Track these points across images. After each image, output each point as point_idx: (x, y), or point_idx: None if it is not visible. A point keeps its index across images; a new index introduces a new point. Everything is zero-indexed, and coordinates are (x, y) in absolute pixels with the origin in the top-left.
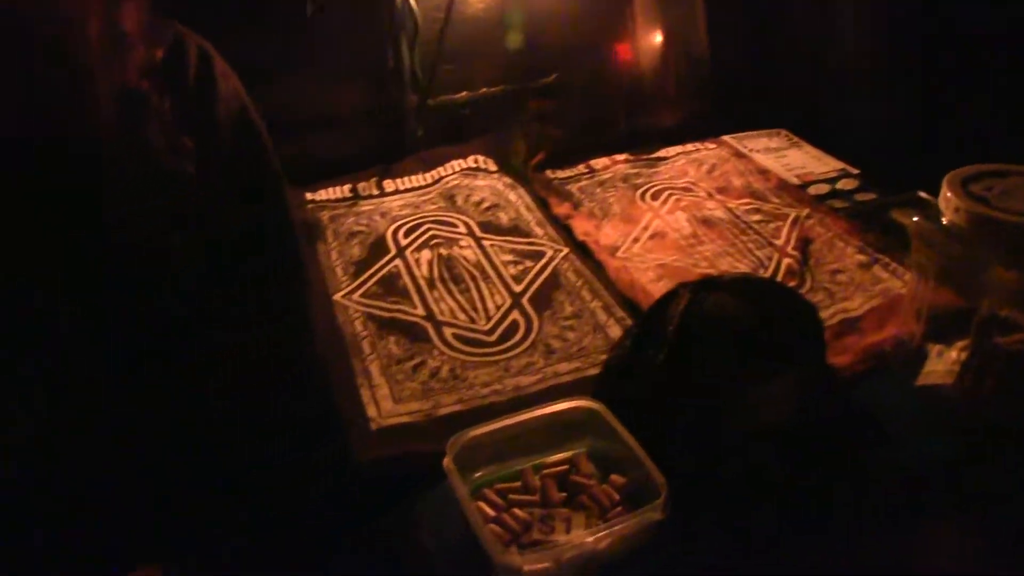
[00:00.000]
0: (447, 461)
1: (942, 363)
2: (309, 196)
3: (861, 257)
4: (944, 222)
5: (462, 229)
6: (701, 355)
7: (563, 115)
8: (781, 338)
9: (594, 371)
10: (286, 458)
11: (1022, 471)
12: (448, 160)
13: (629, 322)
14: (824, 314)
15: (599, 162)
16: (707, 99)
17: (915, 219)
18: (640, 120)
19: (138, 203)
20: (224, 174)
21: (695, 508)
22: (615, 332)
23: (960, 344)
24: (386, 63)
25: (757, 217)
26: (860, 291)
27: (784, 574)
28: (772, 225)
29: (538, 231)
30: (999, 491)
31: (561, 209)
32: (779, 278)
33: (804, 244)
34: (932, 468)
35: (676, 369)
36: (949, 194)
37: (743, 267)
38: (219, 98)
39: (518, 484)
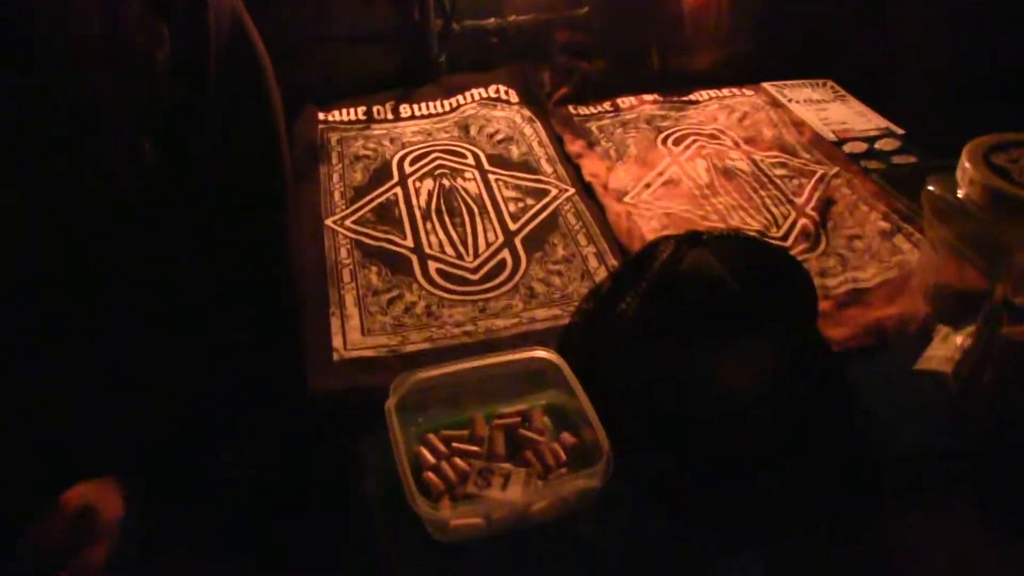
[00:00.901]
0: (389, 403)
1: (945, 348)
2: (322, 116)
3: (884, 224)
4: (959, 195)
5: (470, 160)
6: (671, 314)
7: (594, 49)
8: (760, 303)
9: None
10: (241, 379)
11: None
12: (469, 88)
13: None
14: (832, 281)
15: (625, 101)
16: (752, 41)
17: (929, 188)
18: (676, 60)
19: (104, 81)
20: (213, 85)
21: (639, 478)
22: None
23: (968, 329)
24: None
25: (781, 172)
26: (875, 261)
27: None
28: (795, 182)
29: (547, 168)
30: (993, 482)
31: (574, 147)
32: (791, 238)
33: (825, 205)
34: (922, 457)
35: (643, 326)
36: (967, 164)
37: (755, 223)
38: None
39: (466, 432)
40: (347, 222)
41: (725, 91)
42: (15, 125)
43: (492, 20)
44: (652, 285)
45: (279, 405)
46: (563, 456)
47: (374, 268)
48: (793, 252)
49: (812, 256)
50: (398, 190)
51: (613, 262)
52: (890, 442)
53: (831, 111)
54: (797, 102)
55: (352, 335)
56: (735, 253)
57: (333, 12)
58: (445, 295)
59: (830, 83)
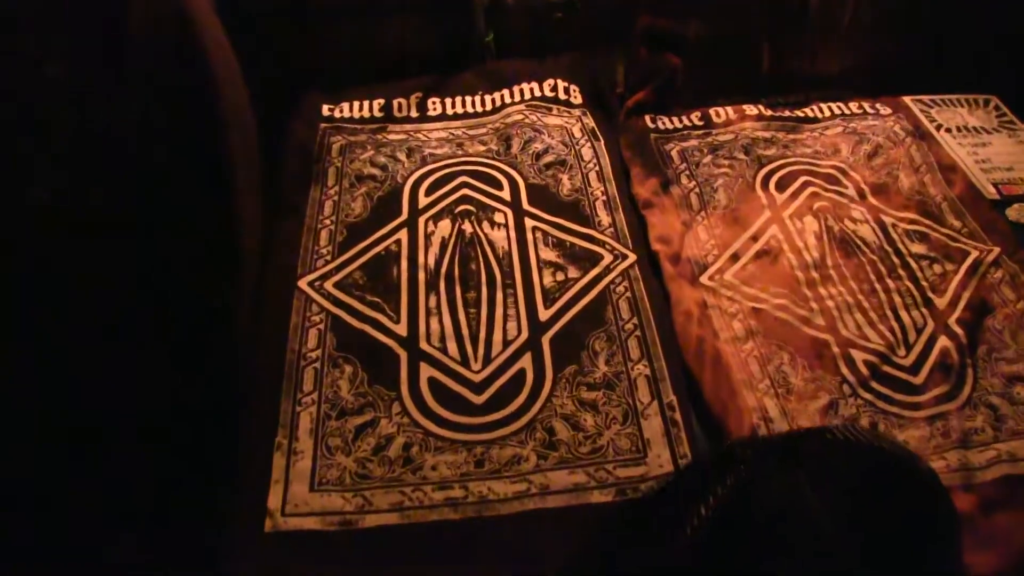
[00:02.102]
0: None
1: None
2: (327, 110)
3: None
4: None
5: (505, 193)
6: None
7: (686, 41)
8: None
9: (600, 496)
10: None
11: None
12: (520, 81)
13: (678, 416)
14: (977, 457)
15: (721, 113)
16: (892, 41)
17: None
18: (792, 60)
19: None
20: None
21: None
22: (657, 428)
23: None
24: None
25: (920, 248)
26: None
27: None
28: (938, 268)
29: (603, 217)
30: None
31: (643, 188)
32: (924, 372)
33: (978, 314)
34: None
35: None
36: None
37: (874, 337)
38: None
39: None
40: (328, 284)
41: (853, 106)
42: None
43: None
44: (714, 515)
45: None
46: None
47: (348, 368)
48: (927, 395)
49: (951, 408)
50: (403, 235)
51: (671, 398)
52: None
53: (994, 147)
54: (948, 130)
55: (297, 488)
56: (843, 472)
57: None
58: (433, 431)
59: (995, 101)
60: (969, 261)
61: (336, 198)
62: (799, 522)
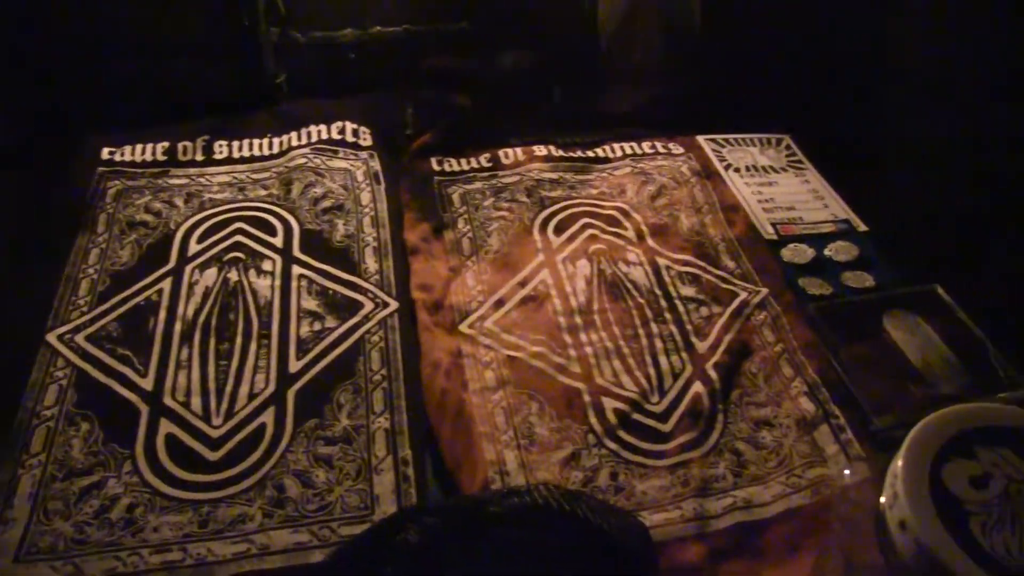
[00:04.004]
0: None
1: None
2: (107, 153)
3: (808, 405)
4: (881, 509)
5: (278, 239)
6: None
7: (475, 81)
8: None
9: (321, 556)
10: None
11: None
12: (309, 123)
13: (411, 472)
14: (713, 505)
15: (511, 153)
16: (688, 78)
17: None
18: (585, 98)
19: None
20: None
21: None
22: (388, 484)
23: None
24: None
25: (690, 291)
26: (782, 471)
27: None
28: (705, 311)
29: (371, 265)
30: None
31: (413, 233)
32: (673, 419)
33: (738, 356)
34: None
35: None
36: (900, 486)
37: (629, 384)
38: None
39: None
40: (80, 337)
41: (647, 146)
42: None
43: (348, 31)
44: None
45: None
46: None
47: (84, 426)
48: (672, 443)
49: (694, 456)
50: (167, 284)
51: (406, 452)
52: None
53: (780, 187)
54: (737, 169)
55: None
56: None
57: (130, 12)
58: (162, 490)
59: (787, 140)
60: (736, 303)
61: (104, 246)
62: None
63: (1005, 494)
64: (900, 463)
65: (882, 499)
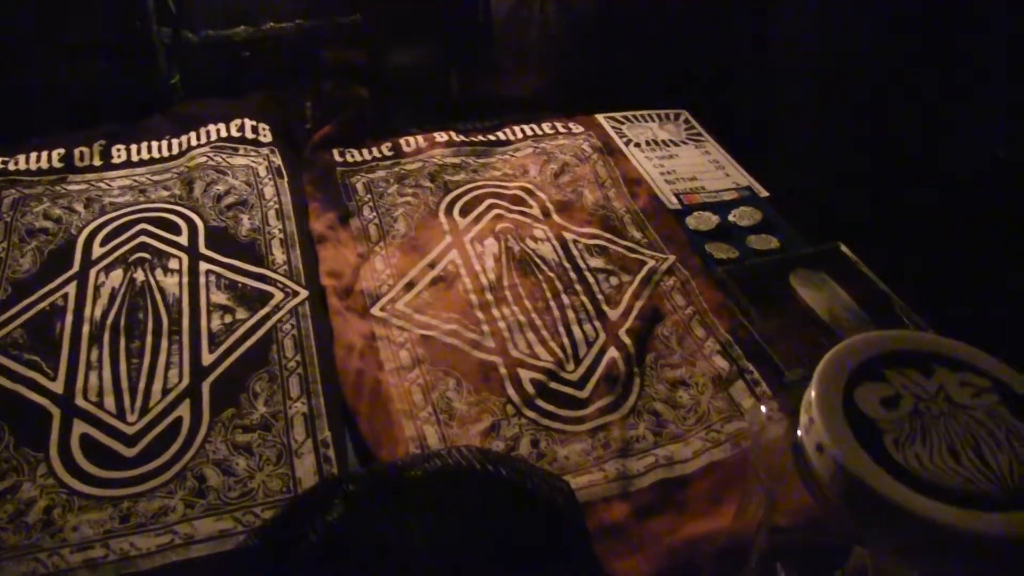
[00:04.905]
0: None
1: None
2: (0, 163)
3: (722, 363)
4: (798, 439)
5: (183, 238)
6: None
7: (372, 70)
8: None
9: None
10: None
11: None
12: (207, 122)
13: (331, 453)
14: (636, 464)
15: (412, 141)
16: (584, 58)
17: (760, 409)
18: (482, 84)
19: None
20: None
21: None
22: (309, 466)
23: None
24: None
25: (598, 262)
26: (701, 427)
27: None
28: (614, 280)
29: (278, 256)
30: None
31: (319, 223)
32: (590, 385)
33: (649, 322)
34: None
35: None
36: (815, 411)
37: (544, 354)
38: None
39: None
40: None
41: (547, 127)
42: None
43: (242, 28)
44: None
45: None
46: None
47: None
48: (591, 408)
49: (614, 418)
50: (71, 288)
51: (326, 434)
52: None
53: (681, 159)
54: (638, 144)
55: None
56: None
57: (18, 18)
58: (79, 489)
59: (684, 115)
60: (644, 271)
61: (3, 255)
62: (398, 554)
63: (915, 411)
64: (813, 392)
65: (798, 431)
